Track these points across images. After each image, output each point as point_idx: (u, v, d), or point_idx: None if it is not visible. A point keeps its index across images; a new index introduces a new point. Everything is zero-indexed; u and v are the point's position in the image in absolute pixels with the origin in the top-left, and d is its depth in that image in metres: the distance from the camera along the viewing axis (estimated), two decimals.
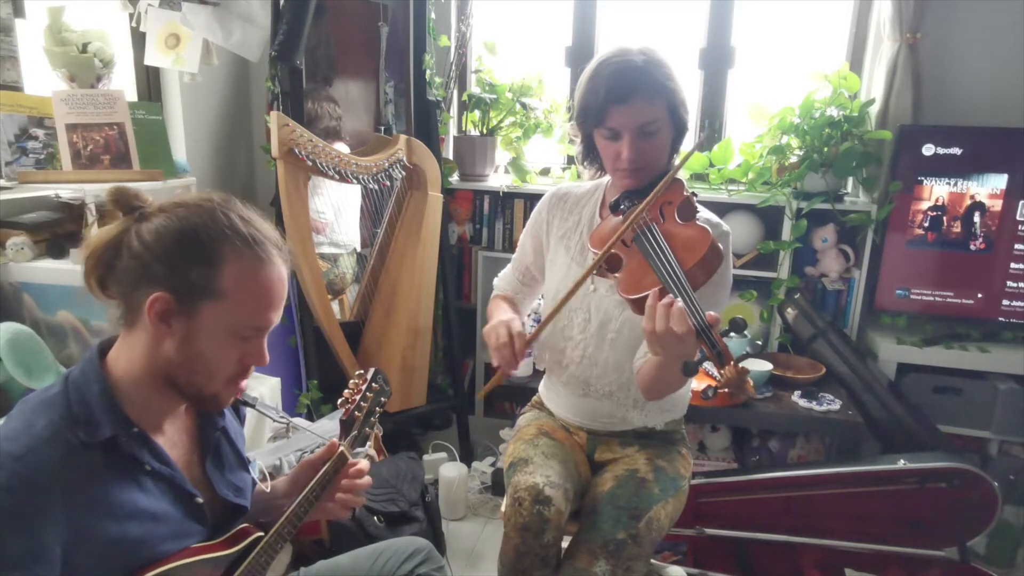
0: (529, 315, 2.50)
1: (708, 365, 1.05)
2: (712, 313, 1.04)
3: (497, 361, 1.36)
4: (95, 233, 0.92)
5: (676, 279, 1.12)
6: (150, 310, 0.88)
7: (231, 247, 0.90)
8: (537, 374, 2.28)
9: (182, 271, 0.88)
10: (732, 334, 1.04)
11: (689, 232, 1.20)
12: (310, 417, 2.24)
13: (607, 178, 1.49)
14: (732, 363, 1.00)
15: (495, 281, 1.70)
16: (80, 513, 0.83)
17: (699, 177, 2.57)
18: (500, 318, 1.41)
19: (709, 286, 1.20)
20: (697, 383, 2.13)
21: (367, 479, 1.14)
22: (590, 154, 1.43)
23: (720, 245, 1.18)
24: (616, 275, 1.26)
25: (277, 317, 0.96)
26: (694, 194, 1.34)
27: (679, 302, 1.06)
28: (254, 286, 0.92)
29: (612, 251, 1.27)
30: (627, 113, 1.29)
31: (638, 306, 1.16)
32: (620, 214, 1.34)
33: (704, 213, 1.39)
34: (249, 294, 0.91)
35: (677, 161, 1.39)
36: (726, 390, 1.01)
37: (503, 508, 1.42)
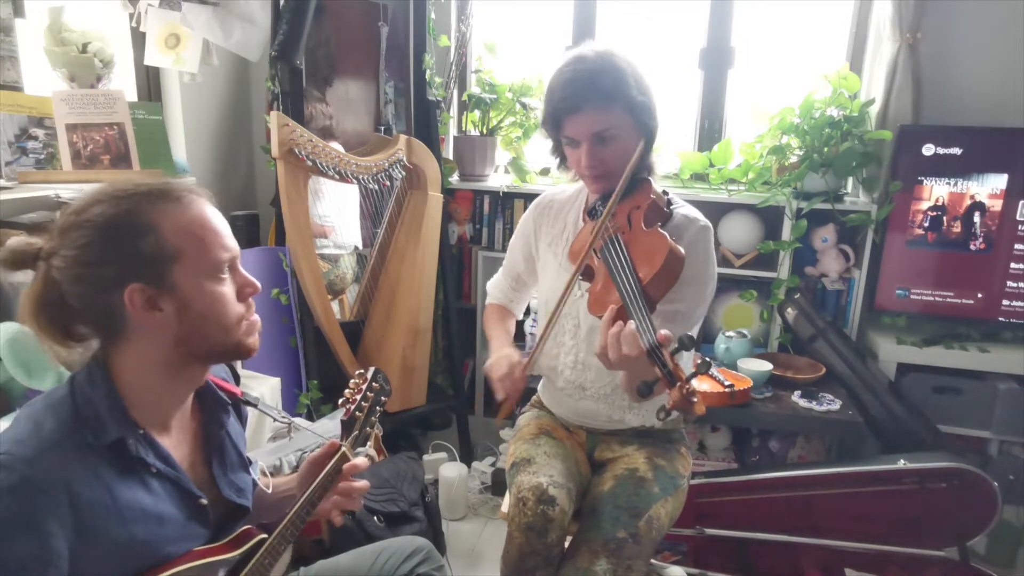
0: (528, 315, 2.50)
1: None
2: (664, 332, 1.03)
3: (502, 392, 1.39)
4: (22, 299, 0.90)
5: (632, 295, 1.11)
6: (134, 306, 0.87)
7: (151, 209, 0.89)
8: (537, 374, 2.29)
9: (131, 256, 0.87)
10: (683, 352, 1.02)
11: (649, 240, 1.19)
12: (310, 417, 2.24)
13: None
14: (680, 384, 0.98)
15: (488, 287, 1.73)
16: (88, 515, 0.83)
17: (699, 177, 2.57)
18: (499, 352, 1.45)
19: (686, 285, 1.20)
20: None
21: (364, 483, 1.13)
22: (563, 160, 1.44)
23: (681, 250, 1.16)
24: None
25: (234, 243, 0.96)
26: (665, 192, 1.33)
27: (631, 324, 1.06)
28: (194, 227, 0.91)
29: (587, 262, 1.27)
30: (580, 122, 1.29)
31: None
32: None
33: (682, 210, 1.38)
34: (196, 236, 0.90)
35: (624, 176, 1.29)
36: (675, 413, 1.00)
37: (504, 508, 1.42)
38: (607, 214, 1.27)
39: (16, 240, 0.91)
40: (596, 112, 1.28)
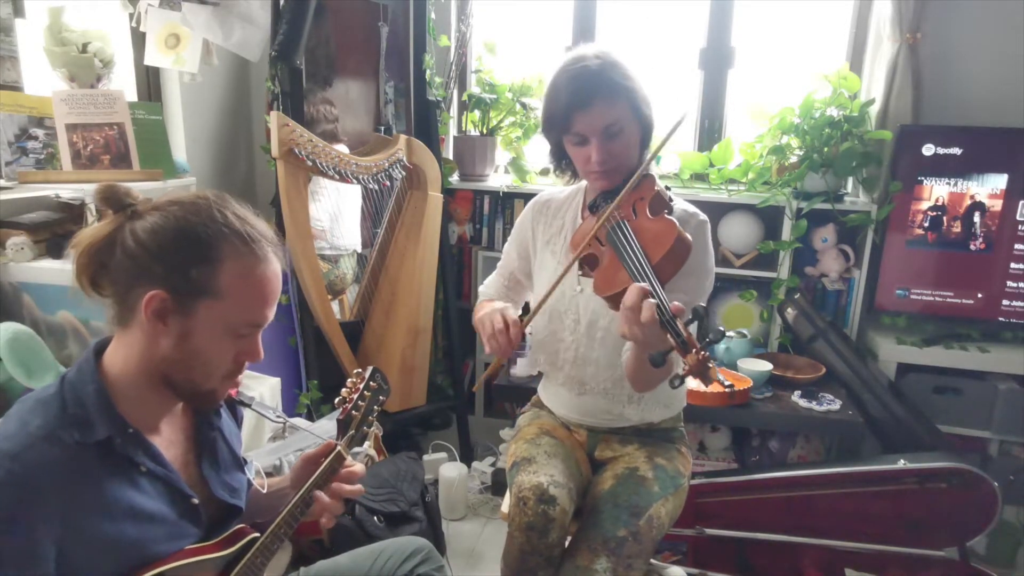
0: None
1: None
2: (676, 304, 1.05)
3: (491, 348, 1.36)
4: (85, 231, 0.92)
5: (644, 272, 1.14)
6: (147, 308, 0.87)
7: (230, 245, 0.90)
8: (536, 374, 2.29)
9: (181, 270, 0.88)
10: (695, 322, 1.05)
11: (657, 226, 1.23)
12: (310, 417, 2.24)
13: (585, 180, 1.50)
14: (695, 350, 1.00)
15: (480, 288, 1.71)
16: (75, 513, 0.83)
17: (699, 177, 2.57)
18: (493, 307, 1.42)
19: (687, 276, 1.23)
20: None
21: (359, 487, 1.12)
22: (562, 161, 1.45)
23: (688, 236, 1.19)
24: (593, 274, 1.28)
25: (272, 313, 0.97)
26: (667, 188, 1.35)
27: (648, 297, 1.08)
28: (252, 284, 0.92)
29: (590, 251, 1.29)
30: (590, 117, 1.31)
31: (614, 303, 1.17)
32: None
33: (681, 204, 1.41)
34: (247, 292, 0.91)
35: (648, 157, 1.40)
36: (691, 377, 1.01)
37: (505, 508, 1.42)
38: (619, 200, 1.29)
39: (126, 186, 0.92)
40: (605, 107, 1.30)
